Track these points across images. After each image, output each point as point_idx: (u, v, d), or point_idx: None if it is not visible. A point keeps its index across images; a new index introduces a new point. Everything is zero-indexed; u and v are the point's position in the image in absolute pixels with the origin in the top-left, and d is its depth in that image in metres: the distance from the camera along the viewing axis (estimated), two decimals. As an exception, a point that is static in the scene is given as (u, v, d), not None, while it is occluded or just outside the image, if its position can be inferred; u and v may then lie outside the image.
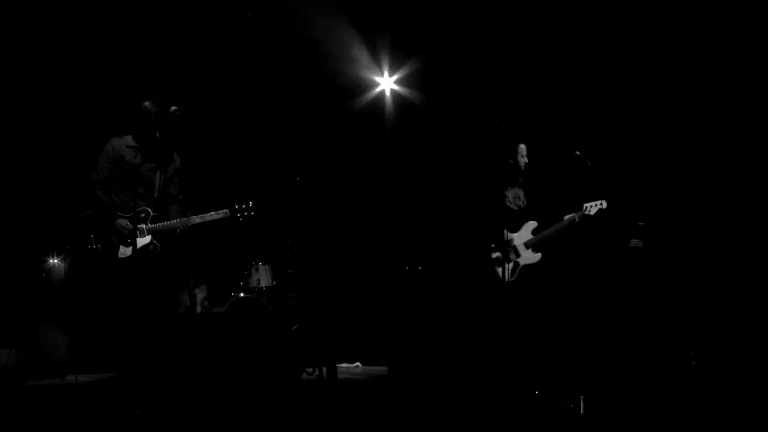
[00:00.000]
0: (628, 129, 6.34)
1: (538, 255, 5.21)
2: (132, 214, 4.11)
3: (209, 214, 4.20)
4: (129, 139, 4.21)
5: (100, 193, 4.14)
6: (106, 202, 4.12)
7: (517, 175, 5.28)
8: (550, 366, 4.85)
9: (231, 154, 7.10)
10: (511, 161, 5.28)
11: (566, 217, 5.09)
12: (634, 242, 6.33)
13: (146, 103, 4.16)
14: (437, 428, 3.55)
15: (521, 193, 5.28)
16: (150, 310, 4.06)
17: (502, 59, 6.77)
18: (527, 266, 5.18)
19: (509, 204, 5.25)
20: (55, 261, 5.49)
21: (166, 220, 4.16)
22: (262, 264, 5.65)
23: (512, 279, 5.14)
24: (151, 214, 4.15)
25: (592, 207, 5.08)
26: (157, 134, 4.04)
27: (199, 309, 5.39)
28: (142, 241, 4.04)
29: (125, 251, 3.99)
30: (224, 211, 4.24)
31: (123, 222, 4.02)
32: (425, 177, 7.02)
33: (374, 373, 6.30)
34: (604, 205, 5.07)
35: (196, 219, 4.15)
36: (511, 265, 5.15)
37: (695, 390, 4.43)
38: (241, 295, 5.37)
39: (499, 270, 5.16)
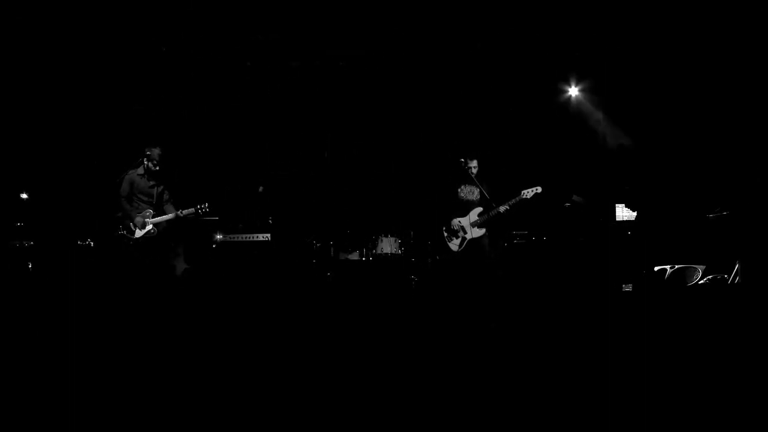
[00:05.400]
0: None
1: (482, 231, 6.96)
2: (142, 213, 6.75)
3: (184, 211, 6.76)
4: (140, 170, 6.79)
5: (124, 203, 6.77)
6: (127, 208, 6.76)
7: (470, 178, 7.01)
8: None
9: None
10: (465, 167, 7.01)
11: (501, 207, 6.76)
12: (576, 198, 7.70)
13: (147, 151, 6.70)
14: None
15: (476, 189, 7.02)
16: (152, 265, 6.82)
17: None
18: (472, 239, 6.96)
19: (462, 196, 7.05)
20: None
21: (162, 215, 6.78)
22: (388, 236, 7.97)
23: (460, 249, 6.99)
24: (152, 212, 6.76)
25: (529, 192, 6.66)
26: (155, 167, 6.70)
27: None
28: (148, 228, 6.75)
29: (139, 234, 6.75)
30: (190, 209, 6.73)
31: (138, 219, 6.74)
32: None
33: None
34: (539, 189, 6.70)
35: (184, 212, 6.72)
36: (459, 239, 7.02)
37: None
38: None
39: (450, 243, 7.05)
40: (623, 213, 7.79)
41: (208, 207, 6.76)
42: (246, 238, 8.38)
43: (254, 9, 7.90)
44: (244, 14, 7.99)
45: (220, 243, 8.30)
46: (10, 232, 7.51)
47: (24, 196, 7.87)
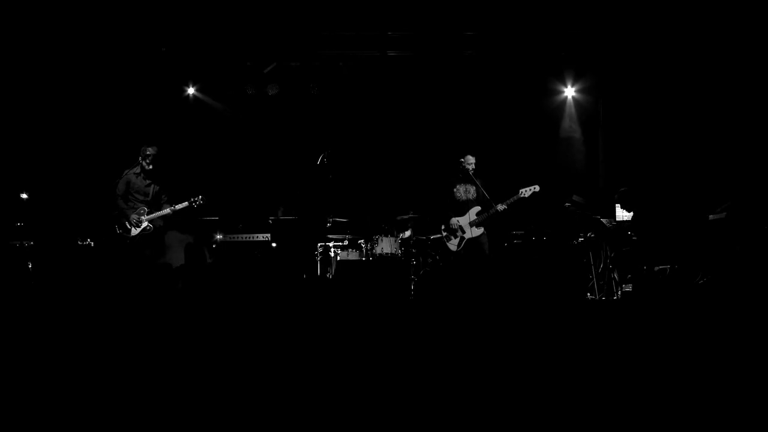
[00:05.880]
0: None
1: (481, 230, 6.99)
2: (137, 211, 6.81)
3: (177, 206, 6.89)
4: (136, 169, 6.87)
5: (120, 201, 6.84)
6: (123, 206, 6.84)
7: (468, 176, 7.02)
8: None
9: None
10: (463, 167, 7.03)
11: (499, 206, 6.80)
12: (576, 198, 7.72)
13: (143, 150, 6.80)
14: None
15: (472, 188, 7.04)
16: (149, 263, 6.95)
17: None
18: (471, 239, 6.98)
19: (458, 196, 7.07)
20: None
21: (157, 211, 6.86)
22: (388, 236, 7.92)
23: (459, 249, 7.01)
24: (147, 210, 6.84)
25: (527, 191, 6.67)
26: (148, 166, 6.78)
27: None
28: (143, 225, 6.82)
29: (135, 232, 6.83)
30: (184, 203, 6.88)
31: (133, 218, 6.79)
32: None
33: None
34: (537, 188, 6.75)
35: (178, 207, 6.87)
36: (458, 239, 7.03)
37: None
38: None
39: (449, 243, 7.06)
40: (623, 213, 7.77)
41: (202, 199, 6.88)
42: (246, 238, 8.39)
43: (254, 9, 7.93)
44: (244, 14, 8.02)
45: (220, 243, 8.31)
46: (10, 232, 7.52)
47: (24, 196, 7.87)
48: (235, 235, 8.37)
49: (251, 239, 8.39)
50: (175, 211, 6.88)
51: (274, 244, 8.45)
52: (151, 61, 8.53)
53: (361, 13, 7.86)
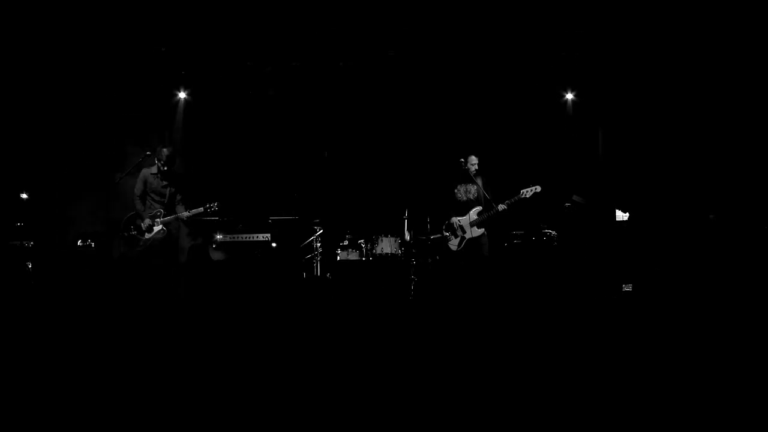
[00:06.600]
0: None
1: (481, 230, 6.98)
2: (153, 213, 6.81)
3: (192, 210, 6.85)
4: (153, 169, 6.87)
5: (137, 202, 6.85)
6: (140, 207, 6.85)
7: (468, 176, 7.02)
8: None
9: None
10: (464, 167, 7.02)
11: (499, 206, 6.77)
12: (577, 198, 7.71)
13: (160, 150, 6.85)
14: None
15: (472, 188, 7.03)
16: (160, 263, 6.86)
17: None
18: (471, 239, 6.98)
19: (459, 196, 7.07)
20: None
21: (172, 215, 6.84)
22: (388, 236, 7.96)
23: (460, 249, 7.02)
24: (163, 212, 6.82)
25: (528, 192, 6.67)
26: (164, 167, 6.78)
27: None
28: (157, 228, 6.81)
29: (149, 234, 6.81)
30: (199, 209, 6.83)
31: (148, 220, 6.80)
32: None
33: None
34: (539, 189, 6.72)
35: (186, 214, 6.82)
36: (458, 239, 7.04)
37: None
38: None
39: (450, 244, 7.08)
40: (623, 213, 7.78)
41: (217, 206, 6.83)
42: (246, 238, 8.38)
43: (255, 9, 7.93)
44: (245, 15, 8.01)
45: (220, 243, 8.30)
46: (10, 232, 7.51)
47: (24, 196, 7.87)
48: (235, 235, 8.36)
49: (251, 239, 8.38)
50: (189, 216, 6.85)
51: (274, 244, 8.47)
52: (150, 61, 8.51)
53: (362, 13, 7.86)
